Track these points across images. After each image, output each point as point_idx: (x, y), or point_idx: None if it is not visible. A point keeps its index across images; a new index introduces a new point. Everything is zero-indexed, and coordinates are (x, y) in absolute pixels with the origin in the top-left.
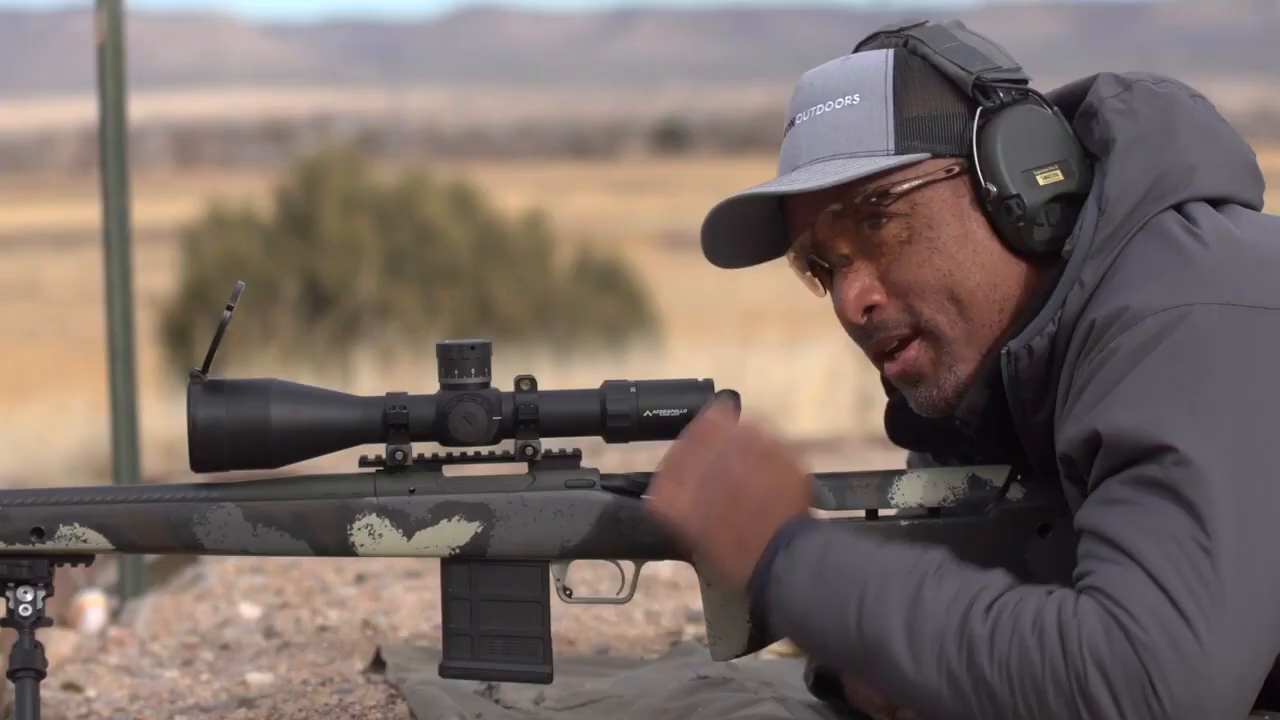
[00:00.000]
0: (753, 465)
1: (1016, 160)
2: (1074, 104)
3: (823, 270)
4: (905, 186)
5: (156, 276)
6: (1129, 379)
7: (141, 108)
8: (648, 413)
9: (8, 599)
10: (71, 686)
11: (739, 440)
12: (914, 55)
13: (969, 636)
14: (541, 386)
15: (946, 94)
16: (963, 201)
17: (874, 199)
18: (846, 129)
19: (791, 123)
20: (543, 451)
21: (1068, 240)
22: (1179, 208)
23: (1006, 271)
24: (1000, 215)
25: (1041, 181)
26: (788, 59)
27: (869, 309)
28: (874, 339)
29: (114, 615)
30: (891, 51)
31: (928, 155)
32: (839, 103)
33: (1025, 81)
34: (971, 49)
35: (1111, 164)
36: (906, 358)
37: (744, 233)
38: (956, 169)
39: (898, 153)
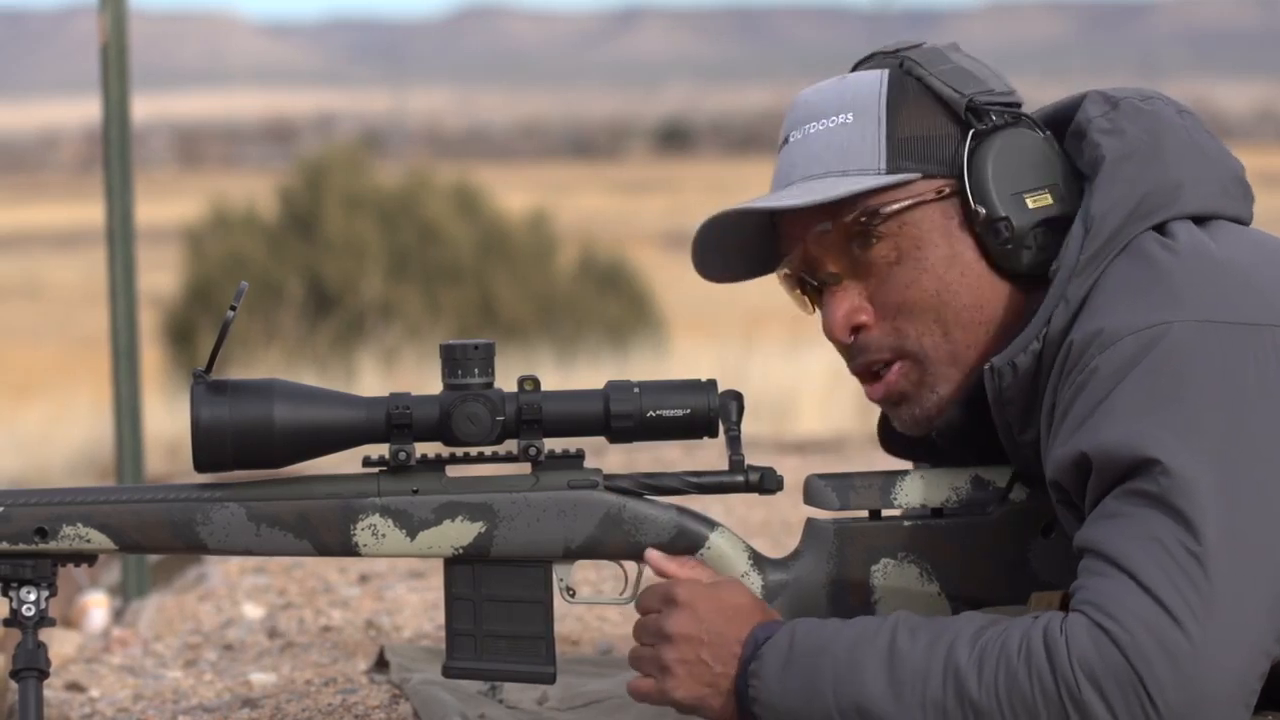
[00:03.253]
0: (685, 620)
1: (1006, 183)
2: (1064, 123)
3: (812, 288)
4: (894, 207)
5: (160, 276)
6: (1110, 398)
7: (145, 107)
8: (651, 413)
9: (11, 599)
10: (75, 687)
11: (675, 610)
12: (909, 76)
13: (955, 669)
14: (545, 387)
15: (939, 115)
16: (952, 223)
17: (863, 218)
18: (839, 147)
19: (786, 139)
20: (546, 452)
21: (1055, 260)
22: (1160, 227)
23: (993, 293)
24: (989, 237)
25: (1031, 205)
26: (790, 59)
27: (856, 329)
28: (858, 360)
29: (117, 615)
30: (886, 72)
31: (918, 176)
32: (832, 121)
33: (1018, 105)
34: (966, 71)
35: (1099, 183)
36: (889, 380)
37: (735, 248)
38: (947, 190)
39: (889, 172)
